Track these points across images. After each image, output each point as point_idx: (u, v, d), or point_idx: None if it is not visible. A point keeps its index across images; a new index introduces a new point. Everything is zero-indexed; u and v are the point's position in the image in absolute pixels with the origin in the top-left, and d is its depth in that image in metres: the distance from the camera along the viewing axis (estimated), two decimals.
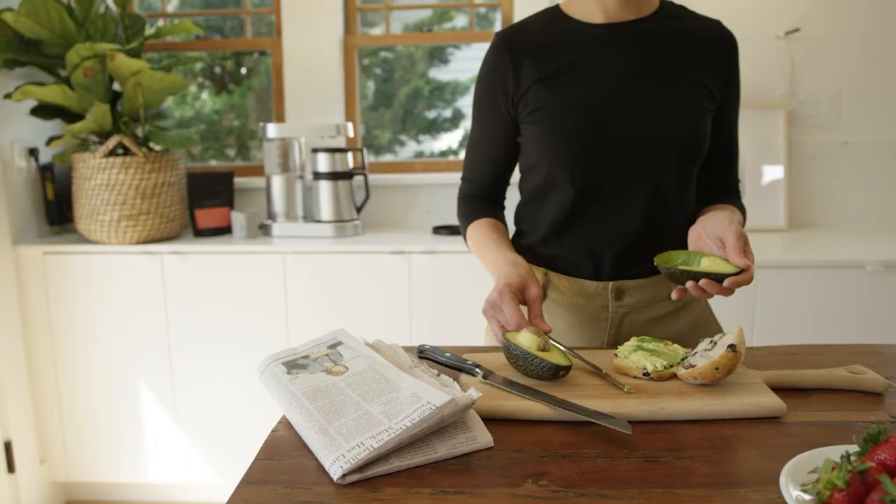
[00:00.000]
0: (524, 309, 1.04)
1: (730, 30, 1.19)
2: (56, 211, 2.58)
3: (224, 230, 2.58)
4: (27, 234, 2.51)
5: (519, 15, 2.65)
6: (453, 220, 2.72)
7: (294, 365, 0.93)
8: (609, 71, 1.14)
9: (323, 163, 2.50)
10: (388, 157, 4.96)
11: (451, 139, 5.54)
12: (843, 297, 2.13)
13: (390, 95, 5.16)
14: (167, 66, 2.46)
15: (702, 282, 0.98)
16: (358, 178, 2.61)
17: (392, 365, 0.89)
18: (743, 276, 0.98)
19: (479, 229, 1.25)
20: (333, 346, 0.99)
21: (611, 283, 1.19)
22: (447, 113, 5.35)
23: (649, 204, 1.16)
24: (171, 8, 4.16)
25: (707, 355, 0.93)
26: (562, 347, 1.02)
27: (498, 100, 1.21)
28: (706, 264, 1.02)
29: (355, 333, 1.02)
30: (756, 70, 2.59)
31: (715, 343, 0.95)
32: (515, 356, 0.94)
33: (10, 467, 2.39)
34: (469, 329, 2.34)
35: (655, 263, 1.04)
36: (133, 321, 2.42)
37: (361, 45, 2.77)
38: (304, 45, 2.70)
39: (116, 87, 2.50)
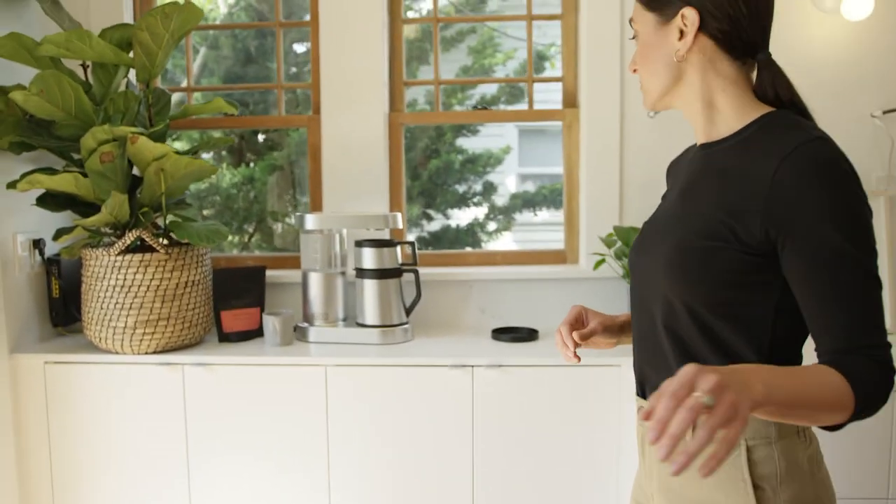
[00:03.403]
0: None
1: (804, 155, 0.93)
2: (61, 310, 2.26)
3: (253, 333, 2.25)
4: (27, 338, 2.18)
5: (584, 93, 2.38)
6: (513, 320, 2.40)
7: None
8: (668, 198, 1.17)
9: (369, 259, 2.19)
10: (413, 233, 4.68)
11: (479, 212, 5.28)
12: None
13: (414, 165, 4.91)
14: (194, 150, 2.17)
15: None
16: (406, 274, 2.29)
17: None
18: None
19: None
20: None
21: (642, 402, 1.16)
22: (478, 186, 5.09)
23: (655, 340, 1.09)
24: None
25: None
26: None
27: None
28: None
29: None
30: (849, 153, 2.31)
31: None
32: None
33: None
34: (544, 460, 1.99)
35: None
36: (148, 442, 2.07)
37: (409, 123, 2.50)
38: (345, 123, 2.43)
39: (134, 171, 2.21)
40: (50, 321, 2.29)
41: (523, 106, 4.77)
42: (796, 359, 1.03)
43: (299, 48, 4.73)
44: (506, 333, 2.23)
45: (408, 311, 2.25)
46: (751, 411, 0.77)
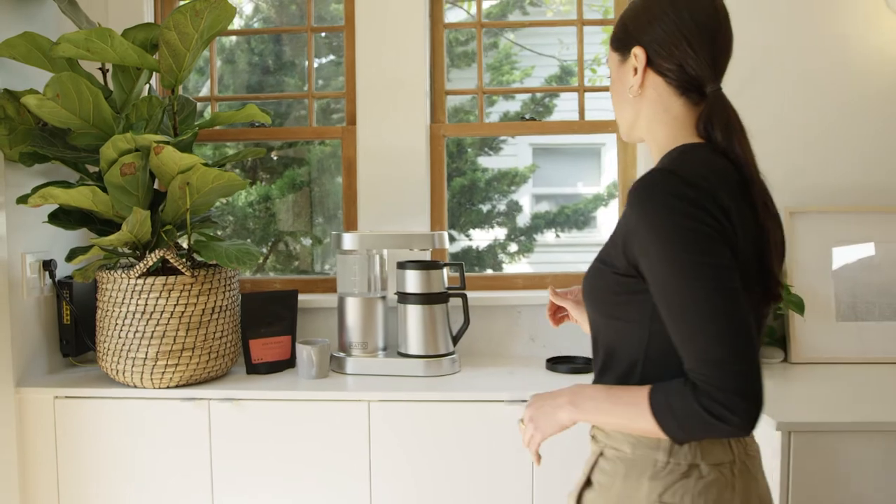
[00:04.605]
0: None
1: (640, 186, 0.97)
2: (73, 339, 2.06)
3: (284, 364, 2.05)
4: (35, 370, 1.98)
5: None
6: (566, 348, 2.20)
7: None
8: None
9: (412, 282, 1.99)
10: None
11: (499, 233, 5.07)
12: None
13: None
14: (222, 162, 1.98)
15: None
16: (452, 299, 2.09)
17: None
18: None
19: None
20: None
21: None
22: (502, 206, 4.90)
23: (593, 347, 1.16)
24: (205, 90, 3.76)
25: None
26: None
27: None
28: None
29: None
30: None
31: None
32: None
33: None
34: None
35: None
36: (170, 486, 1.86)
37: (450, 135, 2.32)
38: (384, 134, 2.24)
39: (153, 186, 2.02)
40: (60, 351, 2.08)
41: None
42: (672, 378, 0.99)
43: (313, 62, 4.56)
44: (562, 364, 2.03)
45: (455, 340, 2.05)
46: (560, 426, 1.09)
